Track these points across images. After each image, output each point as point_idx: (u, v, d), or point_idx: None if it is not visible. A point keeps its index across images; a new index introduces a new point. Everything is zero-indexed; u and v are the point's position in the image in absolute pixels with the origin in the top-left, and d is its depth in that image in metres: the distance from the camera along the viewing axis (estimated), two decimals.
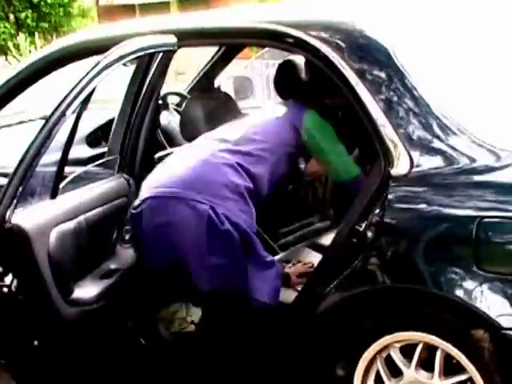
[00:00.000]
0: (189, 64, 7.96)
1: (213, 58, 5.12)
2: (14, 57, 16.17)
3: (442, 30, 3.12)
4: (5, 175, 3.56)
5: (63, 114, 2.63)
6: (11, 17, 19.68)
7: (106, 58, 2.74)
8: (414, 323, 2.65)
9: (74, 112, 2.68)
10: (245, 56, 5.74)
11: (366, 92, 2.76)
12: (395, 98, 2.75)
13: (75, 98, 2.64)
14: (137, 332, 3.30)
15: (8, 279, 2.66)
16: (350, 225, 2.76)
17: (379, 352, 2.78)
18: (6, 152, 4.09)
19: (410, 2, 3.49)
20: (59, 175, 2.78)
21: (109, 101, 4.79)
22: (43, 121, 4.72)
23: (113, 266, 3.07)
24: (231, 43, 3.96)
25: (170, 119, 4.99)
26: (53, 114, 2.63)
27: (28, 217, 2.65)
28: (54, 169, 2.77)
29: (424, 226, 2.58)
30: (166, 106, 5.06)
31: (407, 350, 2.72)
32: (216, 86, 5.26)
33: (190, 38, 3.28)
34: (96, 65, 2.70)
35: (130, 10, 21.27)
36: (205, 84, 5.19)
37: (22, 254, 2.64)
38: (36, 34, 18.13)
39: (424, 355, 2.69)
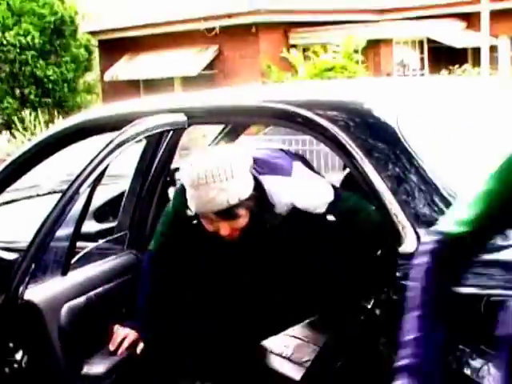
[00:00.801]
0: (192, 139, 8.04)
1: (219, 134, 5.19)
2: (19, 130, 16.34)
3: (448, 111, 3.18)
4: (16, 250, 3.62)
5: (77, 190, 2.67)
6: (17, 92, 19.93)
7: (119, 136, 2.80)
8: None
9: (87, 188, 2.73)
10: (249, 132, 5.82)
11: (372, 170, 2.80)
12: (402, 177, 2.78)
13: (89, 175, 2.69)
14: None
15: (18, 355, 2.66)
16: (357, 302, 2.78)
17: None
18: (15, 227, 4.14)
19: (416, 84, 3.56)
20: (71, 252, 2.81)
21: (116, 176, 4.84)
22: (53, 195, 4.84)
23: None
24: (241, 122, 4.02)
25: None
26: (67, 190, 2.67)
27: (40, 293, 2.67)
28: (65, 244, 2.80)
29: None
30: (173, 182, 5.10)
31: None
32: None
33: (199, 116, 3.35)
34: (110, 142, 2.76)
35: (134, 85, 21.51)
36: None
37: (34, 329, 2.65)
38: (39, 109, 18.33)
39: None
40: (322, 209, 3.06)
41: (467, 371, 2.48)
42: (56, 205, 2.66)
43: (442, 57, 19.79)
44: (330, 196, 3.07)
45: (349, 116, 2.97)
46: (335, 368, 2.82)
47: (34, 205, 4.90)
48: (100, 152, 2.74)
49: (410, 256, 2.64)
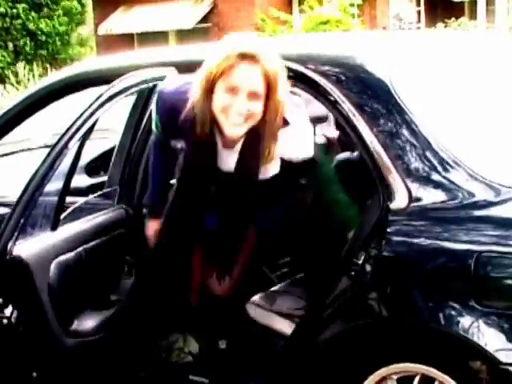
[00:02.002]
0: None
1: None
2: (13, 85, 16.22)
3: (442, 66, 3.15)
4: (4, 205, 3.60)
5: (66, 145, 2.65)
6: (10, 45, 19.77)
7: (109, 90, 2.77)
8: (411, 355, 2.66)
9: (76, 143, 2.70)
10: None
11: (364, 125, 2.78)
12: (393, 132, 2.76)
13: (78, 129, 2.67)
14: (135, 364, 3.30)
15: (8, 311, 2.66)
16: (348, 257, 2.78)
17: (378, 383, 2.78)
18: (5, 181, 4.12)
19: (411, 38, 3.52)
20: (60, 207, 2.78)
21: (108, 130, 4.81)
22: (43, 149, 4.81)
23: (112, 297, 3.07)
24: None
25: None
26: (56, 145, 2.64)
27: (29, 248, 2.65)
28: (54, 199, 2.78)
29: (423, 260, 2.59)
30: None
31: (404, 382, 2.73)
32: None
33: (189, 70, 3.31)
34: (99, 97, 2.73)
35: (128, 39, 21.33)
36: None
37: (23, 285, 2.64)
38: (34, 62, 18.20)
39: None
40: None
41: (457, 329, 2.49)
42: (45, 159, 2.64)
43: (439, 10, 19.67)
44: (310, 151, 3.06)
45: (341, 70, 2.94)
46: (325, 322, 2.82)
47: (25, 159, 4.87)
48: (90, 106, 2.71)
49: (401, 212, 2.64)
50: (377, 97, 2.83)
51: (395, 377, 2.73)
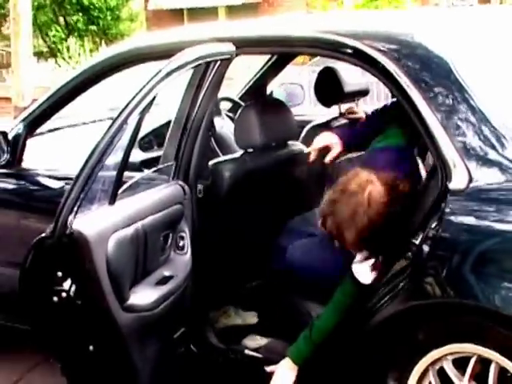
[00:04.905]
0: (237, 69, 8.00)
1: (265, 64, 5.15)
2: (64, 59, 16.36)
3: (499, 42, 3.11)
4: (62, 178, 3.64)
5: (125, 120, 2.65)
6: (61, 20, 19.89)
7: (168, 65, 2.76)
8: (467, 336, 2.64)
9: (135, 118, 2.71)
10: (296, 62, 5.76)
11: (423, 102, 2.75)
12: (453, 109, 2.73)
13: (137, 104, 2.67)
14: (187, 339, 3.32)
15: (67, 284, 2.68)
16: (406, 237, 2.76)
17: (432, 364, 2.77)
18: (60, 155, 4.16)
19: (466, 14, 3.47)
20: (118, 181, 2.79)
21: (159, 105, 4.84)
22: (98, 123, 4.85)
23: (167, 273, 3.08)
24: (289, 52, 3.97)
25: (222, 125, 5.01)
26: (115, 120, 2.65)
27: (88, 223, 2.67)
28: (112, 173, 2.79)
29: (480, 241, 2.56)
30: (218, 112, 5.08)
31: (460, 363, 2.71)
32: (268, 92, 5.29)
33: (247, 46, 3.31)
34: (158, 72, 2.73)
35: (178, 14, 21.37)
36: (257, 91, 5.22)
37: (82, 259, 2.66)
38: (85, 37, 18.31)
39: (477, 368, 2.68)
40: None
41: None
42: (105, 134, 2.64)
43: None
44: None
45: (399, 47, 2.91)
46: (380, 304, 2.82)
47: (79, 133, 4.91)
48: (149, 81, 2.70)
49: (459, 192, 2.62)
50: (436, 74, 2.80)
51: (451, 358, 2.72)
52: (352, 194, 2.79)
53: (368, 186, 2.78)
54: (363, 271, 2.93)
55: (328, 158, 3.46)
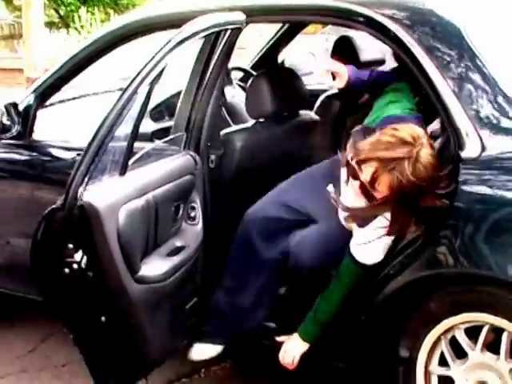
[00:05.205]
0: (248, 39, 7.95)
1: (277, 33, 5.11)
2: (76, 29, 16.30)
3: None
4: (73, 149, 3.63)
5: (136, 90, 2.62)
6: None
7: (178, 35, 2.73)
8: (480, 305, 2.63)
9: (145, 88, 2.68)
10: (307, 31, 5.71)
11: (435, 70, 2.73)
12: (465, 77, 2.70)
13: (148, 74, 2.64)
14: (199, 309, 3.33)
15: (78, 256, 2.67)
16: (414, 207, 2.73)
17: (444, 333, 2.77)
18: (71, 125, 4.15)
19: None
20: (129, 152, 2.77)
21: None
22: (109, 93, 4.82)
23: (178, 244, 3.07)
24: (299, 20, 3.94)
25: (233, 94, 4.98)
26: (126, 90, 2.62)
27: (99, 194, 2.65)
28: (123, 144, 2.77)
29: (494, 211, 2.55)
30: (229, 82, 5.06)
31: (472, 332, 2.71)
32: (279, 61, 5.25)
33: (258, 15, 3.28)
34: (169, 41, 2.70)
35: None
36: (268, 60, 5.19)
37: (93, 231, 2.65)
38: (96, 7, 18.24)
39: (490, 337, 2.68)
40: None
41: None
42: (115, 105, 2.61)
43: None
44: None
45: (411, 15, 2.88)
46: (392, 273, 2.81)
47: (90, 104, 4.89)
48: (159, 51, 2.68)
49: (472, 161, 2.59)
50: (448, 41, 2.78)
51: (463, 327, 2.72)
52: (405, 143, 2.57)
53: (422, 140, 2.58)
54: (365, 252, 2.89)
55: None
